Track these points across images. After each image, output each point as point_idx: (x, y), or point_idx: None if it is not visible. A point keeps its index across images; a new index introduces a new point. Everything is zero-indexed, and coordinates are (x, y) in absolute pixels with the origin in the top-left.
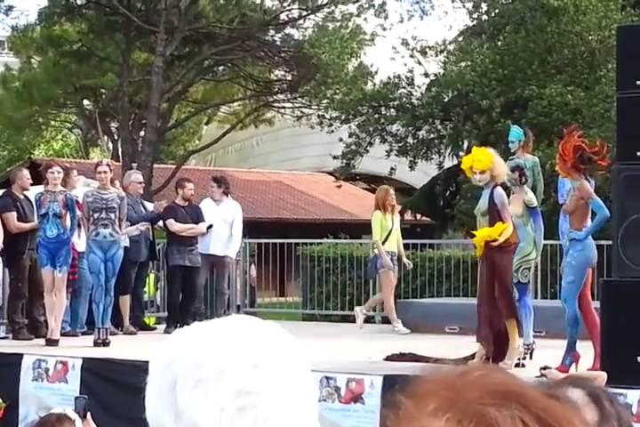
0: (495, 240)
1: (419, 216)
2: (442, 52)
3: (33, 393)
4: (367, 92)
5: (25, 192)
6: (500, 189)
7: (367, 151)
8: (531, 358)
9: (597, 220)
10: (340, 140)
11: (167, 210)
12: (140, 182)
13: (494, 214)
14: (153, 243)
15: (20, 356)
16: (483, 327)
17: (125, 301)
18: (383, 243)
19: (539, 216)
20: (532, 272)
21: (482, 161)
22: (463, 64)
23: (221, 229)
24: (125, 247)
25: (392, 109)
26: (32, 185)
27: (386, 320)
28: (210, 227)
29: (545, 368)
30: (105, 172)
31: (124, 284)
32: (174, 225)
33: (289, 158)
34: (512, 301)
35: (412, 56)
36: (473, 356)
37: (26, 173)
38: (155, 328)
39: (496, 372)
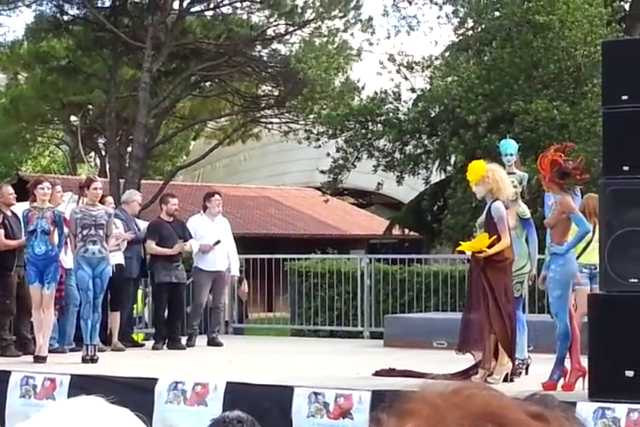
0: (481, 251)
1: (406, 231)
2: (428, 67)
3: (20, 410)
4: (354, 108)
5: (12, 208)
6: (497, 203)
7: (354, 166)
8: (526, 373)
9: (578, 234)
10: (328, 155)
11: (150, 228)
12: (139, 204)
13: (491, 228)
14: (144, 260)
15: (8, 373)
16: (468, 337)
17: (116, 317)
18: (579, 255)
19: (532, 228)
20: (525, 286)
21: (473, 173)
22: (449, 79)
23: (223, 245)
24: (120, 265)
25: (379, 124)
26: (18, 201)
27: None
28: (217, 243)
29: None
30: (100, 188)
31: (116, 301)
32: (152, 248)
33: (276, 174)
34: (504, 317)
35: (398, 71)
36: (464, 371)
37: (7, 189)
38: (143, 344)
39: (483, 392)
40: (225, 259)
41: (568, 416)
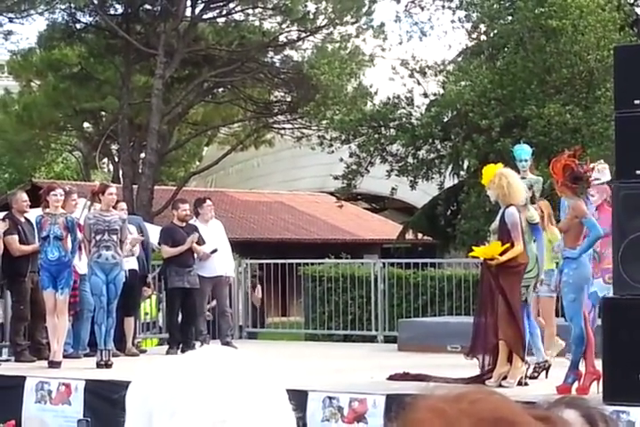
0: (493, 259)
1: (420, 236)
2: (441, 72)
3: (36, 415)
4: (367, 113)
5: (25, 215)
6: (511, 209)
7: (368, 171)
8: (546, 376)
9: (590, 238)
10: (341, 160)
11: (163, 233)
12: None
13: (504, 234)
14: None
15: (23, 378)
16: (479, 341)
17: (130, 322)
18: None
19: (540, 233)
20: (530, 290)
21: (484, 177)
22: (462, 84)
23: (220, 249)
24: (134, 270)
25: (392, 129)
26: (31, 208)
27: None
28: (214, 251)
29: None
30: (115, 194)
31: (129, 305)
32: (166, 252)
33: (289, 179)
34: (518, 321)
35: (411, 76)
36: (478, 376)
37: (21, 196)
38: (145, 350)
39: (489, 397)
40: (223, 263)
41: (606, 418)
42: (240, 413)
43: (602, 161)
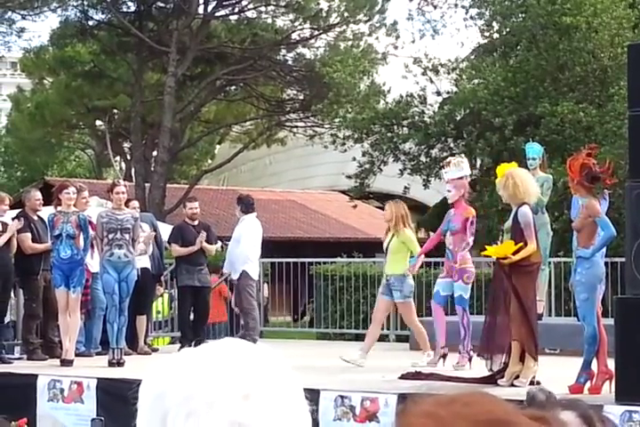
0: (506, 258)
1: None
2: (454, 70)
3: (49, 414)
4: (380, 111)
5: (38, 213)
6: (524, 208)
7: (380, 170)
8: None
9: (603, 238)
10: (354, 159)
11: (174, 231)
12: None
13: (517, 233)
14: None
15: (35, 376)
16: (491, 341)
17: (142, 321)
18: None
19: None
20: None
21: (499, 176)
22: (475, 82)
23: (231, 249)
24: (146, 268)
25: (405, 128)
26: (44, 206)
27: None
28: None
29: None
30: (123, 192)
31: (141, 304)
32: (176, 251)
33: (302, 177)
34: (531, 321)
35: (424, 74)
36: (490, 376)
37: (35, 194)
38: (157, 349)
39: (483, 399)
40: (233, 263)
41: (603, 418)
42: (257, 415)
43: (462, 155)
